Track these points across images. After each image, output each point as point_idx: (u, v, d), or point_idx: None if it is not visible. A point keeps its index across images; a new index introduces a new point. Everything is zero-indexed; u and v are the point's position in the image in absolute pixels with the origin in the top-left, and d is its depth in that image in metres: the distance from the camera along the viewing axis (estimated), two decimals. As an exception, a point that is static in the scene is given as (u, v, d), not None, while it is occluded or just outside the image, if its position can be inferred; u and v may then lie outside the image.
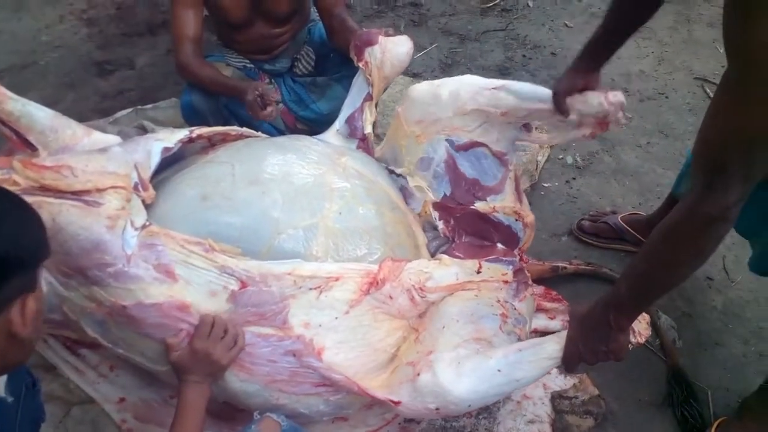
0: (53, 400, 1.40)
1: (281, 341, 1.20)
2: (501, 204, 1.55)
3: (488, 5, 3.18)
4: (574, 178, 2.22)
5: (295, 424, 1.15)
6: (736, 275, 1.86)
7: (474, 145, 1.50)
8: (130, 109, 2.25)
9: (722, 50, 2.75)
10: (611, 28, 1.32)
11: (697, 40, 2.87)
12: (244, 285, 1.17)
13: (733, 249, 1.89)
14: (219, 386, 1.22)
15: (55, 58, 2.81)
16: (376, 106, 1.68)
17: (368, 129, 1.63)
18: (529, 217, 1.57)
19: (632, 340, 1.16)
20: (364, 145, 1.63)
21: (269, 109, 1.61)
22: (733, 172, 0.86)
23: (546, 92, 1.38)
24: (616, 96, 1.33)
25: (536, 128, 1.54)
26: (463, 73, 2.65)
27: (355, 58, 1.61)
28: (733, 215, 0.90)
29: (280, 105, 1.94)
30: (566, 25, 3.05)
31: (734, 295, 1.82)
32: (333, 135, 1.64)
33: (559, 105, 1.35)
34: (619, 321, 1.08)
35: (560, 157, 2.28)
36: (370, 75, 1.60)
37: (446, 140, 1.50)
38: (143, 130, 2.12)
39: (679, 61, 2.74)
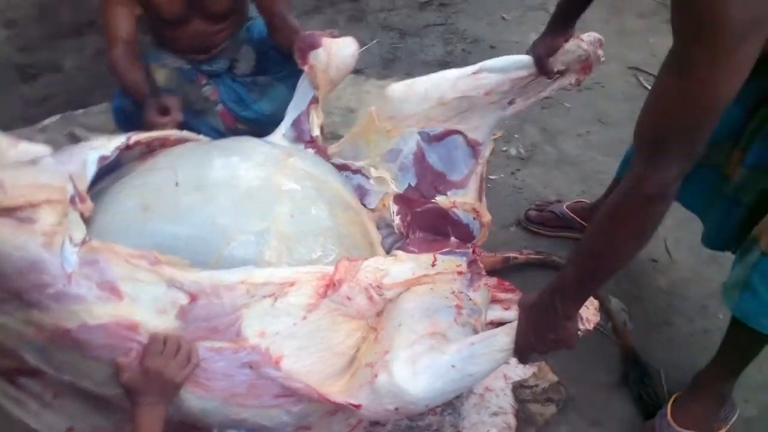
0: (-8, 434, 1.30)
1: (236, 353, 1.15)
2: (462, 199, 1.54)
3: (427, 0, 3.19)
4: (518, 169, 2.24)
5: None
6: (678, 256, 1.91)
7: (449, 133, 1.49)
8: (58, 116, 2.13)
9: (652, 40, 2.87)
10: None
11: (629, 31, 2.95)
12: (194, 298, 1.12)
13: (673, 230, 1.93)
14: (175, 405, 1.16)
15: (-28, 62, 2.63)
16: (321, 109, 1.63)
17: (316, 132, 1.58)
18: (486, 217, 1.56)
19: (580, 327, 1.15)
20: (312, 147, 1.58)
21: (166, 118, 1.55)
22: (674, 149, 0.86)
23: (525, 58, 1.42)
24: (591, 35, 1.42)
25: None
26: (405, 68, 2.72)
27: (299, 62, 1.56)
28: (671, 192, 0.90)
29: (219, 106, 1.87)
30: (503, 18, 3.09)
31: (677, 276, 1.87)
32: (279, 138, 1.58)
33: (543, 66, 1.41)
34: (566, 308, 1.07)
35: (504, 149, 2.30)
36: (315, 78, 1.55)
37: (419, 133, 1.49)
38: (74, 138, 2.02)
39: (614, 51, 2.81)
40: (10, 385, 1.23)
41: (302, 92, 1.60)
